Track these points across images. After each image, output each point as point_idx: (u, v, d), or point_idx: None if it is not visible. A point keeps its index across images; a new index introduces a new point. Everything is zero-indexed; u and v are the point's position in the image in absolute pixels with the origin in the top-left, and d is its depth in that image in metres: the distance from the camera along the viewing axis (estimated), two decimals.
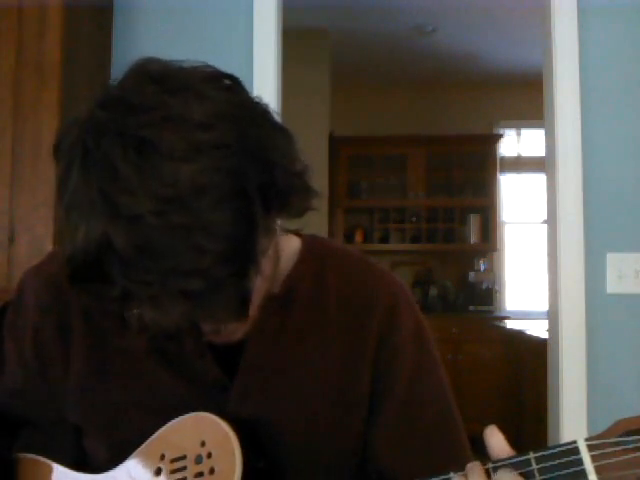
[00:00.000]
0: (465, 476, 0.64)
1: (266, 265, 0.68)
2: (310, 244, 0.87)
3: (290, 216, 0.68)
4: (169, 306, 0.60)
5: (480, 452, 0.68)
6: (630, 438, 0.59)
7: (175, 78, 0.65)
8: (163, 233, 0.58)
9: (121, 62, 2.05)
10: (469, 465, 0.65)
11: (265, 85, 1.99)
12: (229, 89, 0.66)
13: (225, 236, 0.59)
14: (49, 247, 1.69)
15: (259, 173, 0.62)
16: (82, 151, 0.61)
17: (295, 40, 3.03)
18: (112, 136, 0.60)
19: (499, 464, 0.64)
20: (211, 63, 0.69)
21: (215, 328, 0.70)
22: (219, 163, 0.60)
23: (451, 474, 0.65)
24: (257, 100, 0.68)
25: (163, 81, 0.64)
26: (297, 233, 0.87)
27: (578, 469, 0.61)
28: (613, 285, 2.00)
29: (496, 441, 0.65)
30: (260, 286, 0.70)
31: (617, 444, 0.60)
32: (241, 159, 0.61)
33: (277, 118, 0.69)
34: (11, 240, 1.71)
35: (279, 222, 0.71)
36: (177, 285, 0.59)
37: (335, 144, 5.08)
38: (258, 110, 0.67)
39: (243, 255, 0.61)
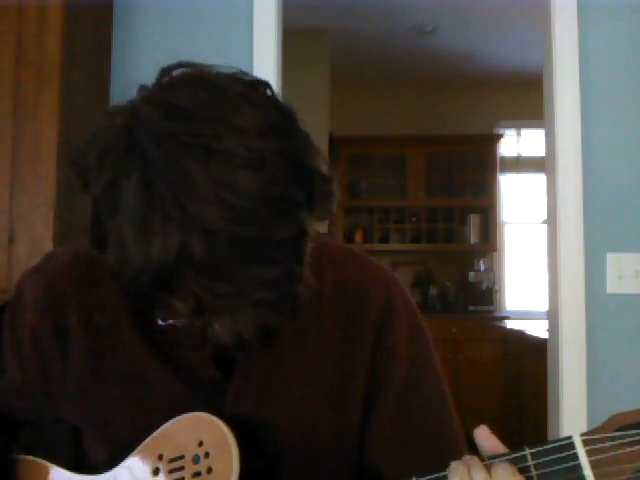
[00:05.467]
0: (464, 466, 0.65)
1: None
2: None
3: (318, 220, 0.68)
4: (243, 315, 0.61)
5: (478, 450, 0.68)
6: (624, 433, 0.60)
7: (223, 85, 0.65)
8: (238, 244, 0.58)
9: (121, 62, 2.05)
10: (467, 457, 0.65)
11: None
12: (268, 96, 0.67)
13: (291, 246, 0.61)
14: (49, 247, 1.69)
15: (306, 180, 0.63)
16: (141, 159, 0.60)
17: (295, 40, 3.03)
18: (177, 144, 0.59)
19: (495, 460, 0.64)
20: (211, 63, 0.69)
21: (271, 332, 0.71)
22: (282, 172, 0.61)
23: (448, 471, 0.66)
24: (288, 104, 0.68)
25: (213, 88, 0.64)
26: None
27: (573, 464, 0.61)
28: (613, 285, 2.00)
29: (490, 444, 0.66)
30: None
31: (612, 439, 0.60)
32: (296, 168, 0.62)
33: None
34: (11, 240, 1.71)
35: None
36: (253, 296, 0.60)
37: (335, 144, 5.08)
38: (294, 116, 0.67)
39: (301, 262, 0.63)
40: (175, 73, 0.67)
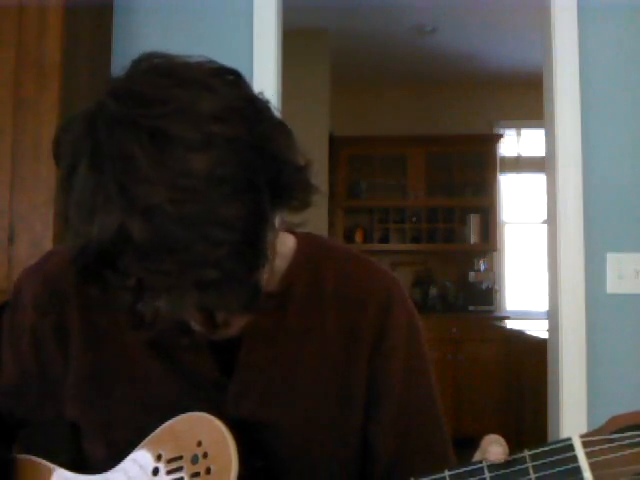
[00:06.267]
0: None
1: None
2: (305, 242, 0.87)
3: (292, 211, 0.69)
4: (184, 296, 0.61)
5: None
6: (624, 434, 0.60)
7: (184, 72, 0.66)
8: (179, 224, 0.58)
9: (121, 62, 2.04)
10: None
11: (265, 85, 1.99)
12: (234, 84, 0.67)
13: (238, 228, 0.60)
14: (49, 247, 1.69)
15: (267, 167, 0.63)
16: (92, 143, 0.61)
17: (295, 40, 3.03)
18: (126, 127, 0.60)
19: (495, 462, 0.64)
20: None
21: (219, 322, 0.70)
22: (233, 155, 0.61)
23: (446, 472, 0.66)
24: (259, 95, 0.69)
25: (173, 74, 0.65)
26: (292, 231, 0.87)
27: (573, 466, 0.61)
28: (613, 285, 2.00)
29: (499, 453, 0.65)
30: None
31: (611, 441, 0.60)
32: (251, 152, 0.62)
33: (277, 113, 0.70)
34: (11, 240, 1.71)
35: (279, 218, 0.72)
36: (192, 276, 0.60)
37: (335, 144, 5.08)
38: (261, 105, 0.68)
39: (255, 247, 0.62)
40: (146, 63, 0.68)
